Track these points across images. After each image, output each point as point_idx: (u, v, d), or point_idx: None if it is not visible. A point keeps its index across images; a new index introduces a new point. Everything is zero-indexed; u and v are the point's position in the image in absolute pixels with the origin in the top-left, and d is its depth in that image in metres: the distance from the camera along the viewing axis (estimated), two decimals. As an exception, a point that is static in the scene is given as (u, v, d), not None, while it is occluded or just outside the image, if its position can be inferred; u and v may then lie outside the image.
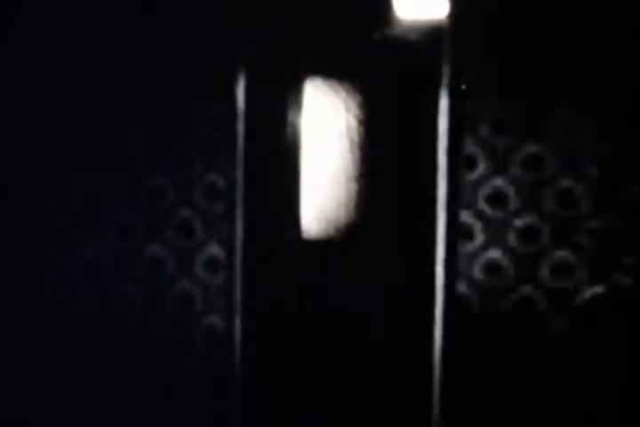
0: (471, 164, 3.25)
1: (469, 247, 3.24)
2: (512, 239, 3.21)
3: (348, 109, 3.30)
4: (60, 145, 3.37)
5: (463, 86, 3.22)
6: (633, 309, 3.10)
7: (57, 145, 3.38)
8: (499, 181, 3.23)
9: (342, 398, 3.31)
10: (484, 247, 3.24)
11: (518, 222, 3.21)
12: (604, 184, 3.15)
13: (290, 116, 3.35)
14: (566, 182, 3.18)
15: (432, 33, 3.25)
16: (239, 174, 3.32)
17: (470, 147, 3.24)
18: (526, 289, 3.20)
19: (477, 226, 3.25)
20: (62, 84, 3.38)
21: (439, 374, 3.22)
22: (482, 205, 3.24)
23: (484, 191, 3.24)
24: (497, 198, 3.23)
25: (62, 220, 3.36)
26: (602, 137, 3.15)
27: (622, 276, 3.12)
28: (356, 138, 3.33)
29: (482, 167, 3.24)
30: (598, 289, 3.13)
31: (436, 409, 3.22)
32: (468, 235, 3.24)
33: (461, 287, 3.23)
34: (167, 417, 3.32)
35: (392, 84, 3.32)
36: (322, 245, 3.35)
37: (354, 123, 3.32)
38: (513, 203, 3.22)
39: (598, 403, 3.11)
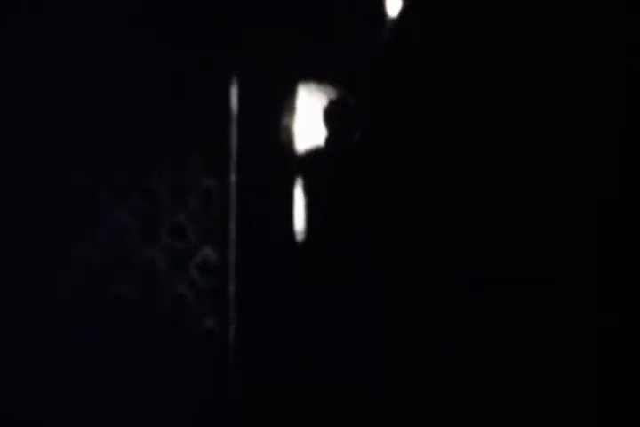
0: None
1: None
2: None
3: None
4: (56, 145, 3.37)
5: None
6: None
7: (53, 145, 3.38)
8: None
9: (340, 399, 3.31)
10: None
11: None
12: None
13: (284, 120, 3.36)
14: None
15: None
16: (233, 177, 3.33)
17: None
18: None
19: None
20: (61, 82, 3.38)
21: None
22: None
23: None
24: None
25: (59, 220, 3.36)
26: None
27: None
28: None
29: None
30: None
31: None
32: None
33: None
34: (162, 419, 3.32)
35: (387, 88, 3.32)
36: (316, 248, 3.35)
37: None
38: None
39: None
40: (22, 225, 3.37)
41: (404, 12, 3.31)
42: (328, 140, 3.37)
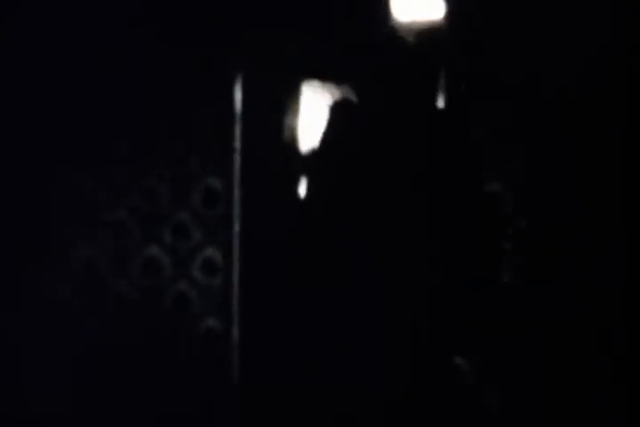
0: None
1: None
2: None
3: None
4: (57, 145, 3.37)
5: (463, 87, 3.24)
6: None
7: (54, 145, 3.37)
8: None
9: (342, 400, 3.31)
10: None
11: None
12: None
13: (288, 119, 3.36)
14: None
15: (431, 34, 3.26)
16: (237, 176, 3.33)
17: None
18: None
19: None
20: (61, 82, 3.38)
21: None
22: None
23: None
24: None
25: (60, 220, 3.36)
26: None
27: None
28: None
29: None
30: None
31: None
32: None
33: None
34: (162, 419, 3.32)
35: (391, 87, 3.32)
36: (320, 248, 3.35)
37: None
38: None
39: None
40: (22, 225, 3.37)
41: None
42: (331, 140, 3.37)
